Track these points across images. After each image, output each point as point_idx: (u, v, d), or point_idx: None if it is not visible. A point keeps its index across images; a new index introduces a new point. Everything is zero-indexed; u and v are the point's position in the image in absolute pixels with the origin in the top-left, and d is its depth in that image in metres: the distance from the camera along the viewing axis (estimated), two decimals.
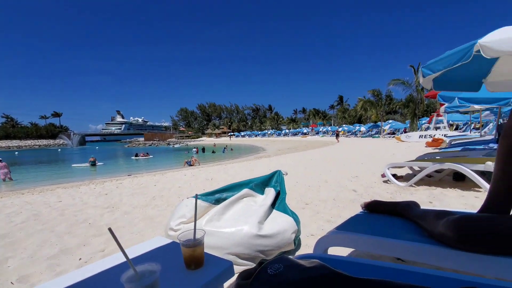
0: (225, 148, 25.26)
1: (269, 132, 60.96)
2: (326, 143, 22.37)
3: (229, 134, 71.67)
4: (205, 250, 1.12)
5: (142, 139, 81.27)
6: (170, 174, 7.32)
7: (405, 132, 21.56)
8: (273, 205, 1.93)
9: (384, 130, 27.75)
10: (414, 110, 25.76)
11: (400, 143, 14.72)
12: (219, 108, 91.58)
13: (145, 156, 21.48)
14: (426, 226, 1.05)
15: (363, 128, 33.84)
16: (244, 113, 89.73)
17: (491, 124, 11.03)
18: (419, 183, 3.73)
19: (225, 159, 15.53)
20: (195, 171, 7.56)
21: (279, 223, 1.72)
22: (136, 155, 21.57)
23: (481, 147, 4.36)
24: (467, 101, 5.43)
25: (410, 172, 4.59)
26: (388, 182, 3.95)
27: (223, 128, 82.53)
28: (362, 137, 29.88)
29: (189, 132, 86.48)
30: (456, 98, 5.45)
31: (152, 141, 67.34)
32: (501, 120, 5.88)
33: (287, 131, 57.84)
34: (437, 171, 3.99)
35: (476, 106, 7.54)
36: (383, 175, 4.37)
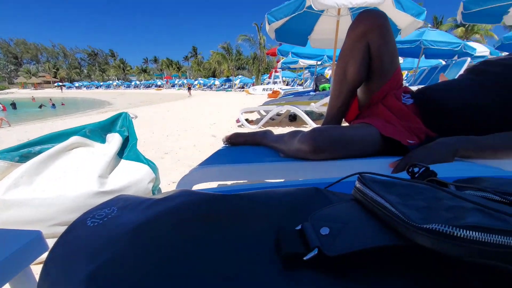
0: (52, 103, 19.16)
1: (115, 84, 51.84)
2: (183, 96, 21.75)
3: (56, 84, 55.29)
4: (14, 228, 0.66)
5: None
6: None
7: (253, 86, 24.33)
8: (121, 155, 1.55)
9: (235, 84, 30.11)
10: (258, 67, 29.26)
11: (248, 95, 16.54)
12: (34, 48, 66.82)
13: None
14: (282, 147, 1.09)
15: (217, 82, 35.19)
16: (75, 57, 70.34)
17: (309, 80, 14.31)
18: (266, 125, 4.27)
19: (54, 116, 11.88)
20: (0, 132, 5.31)
21: (131, 173, 1.40)
22: None
23: (306, 94, 5.50)
24: (297, 55, 6.56)
25: (259, 117, 5.20)
26: (242, 126, 4.28)
27: (44, 76, 62.12)
28: (216, 90, 31.21)
29: None
30: (290, 53, 6.45)
31: None
32: (317, 74, 7.60)
33: (138, 82, 51.20)
34: (278, 115, 4.72)
35: (301, 63, 9.37)
36: (237, 121, 4.69)
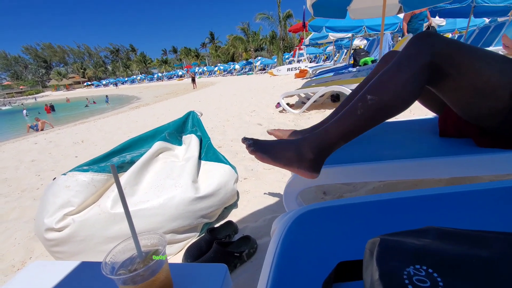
0: (104, 101, 20.14)
1: (138, 78, 53.30)
2: (205, 84, 21.81)
3: (85, 83, 58.07)
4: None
5: None
6: (10, 145, 5.18)
7: (276, 66, 23.65)
8: (199, 156, 1.52)
9: (256, 67, 29.50)
10: (279, 46, 28.22)
11: (273, 77, 16.07)
12: (60, 51, 70.17)
13: None
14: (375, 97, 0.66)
15: (237, 66, 34.67)
16: (99, 55, 72.82)
17: (338, 54, 13.54)
18: (308, 108, 4.09)
19: (91, 115, 12.49)
20: (51, 136, 5.68)
21: (216, 175, 1.37)
22: None
23: (346, 71, 5.16)
24: (332, 29, 6.13)
25: (297, 99, 5.01)
26: (284, 111, 4.14)
27: (74, 77, 65.48)
28: (237, 75, 30.84)
29: (21, 87, 64.09)
30: (324, 27, 6.04)
31: None
32: (354, 47, 7.12)
33: (160, 75, 52.11)
34: (320, 96, 4.50)
35: (331, 37, 8.80)
36: (277, 106, 4.56)
